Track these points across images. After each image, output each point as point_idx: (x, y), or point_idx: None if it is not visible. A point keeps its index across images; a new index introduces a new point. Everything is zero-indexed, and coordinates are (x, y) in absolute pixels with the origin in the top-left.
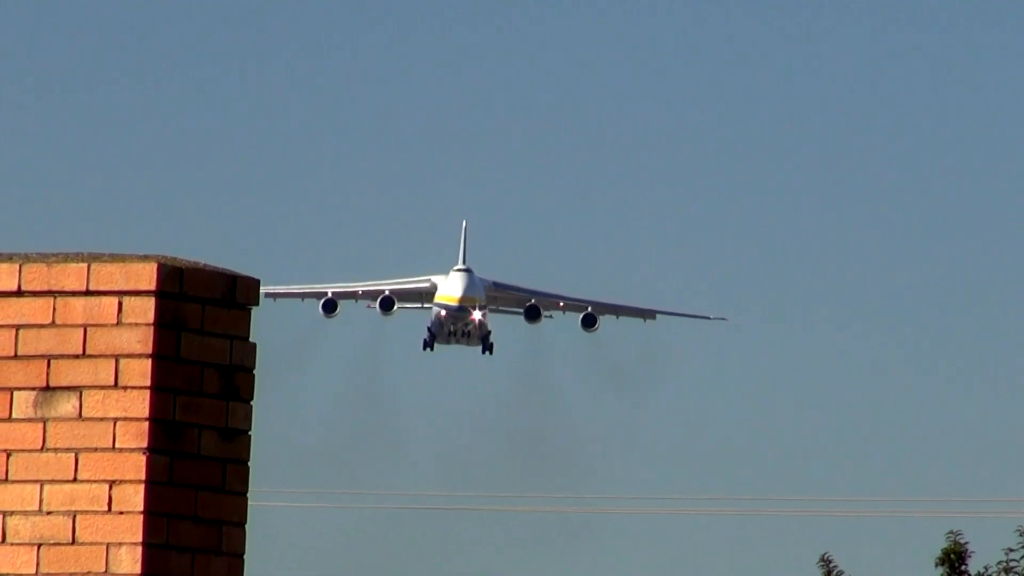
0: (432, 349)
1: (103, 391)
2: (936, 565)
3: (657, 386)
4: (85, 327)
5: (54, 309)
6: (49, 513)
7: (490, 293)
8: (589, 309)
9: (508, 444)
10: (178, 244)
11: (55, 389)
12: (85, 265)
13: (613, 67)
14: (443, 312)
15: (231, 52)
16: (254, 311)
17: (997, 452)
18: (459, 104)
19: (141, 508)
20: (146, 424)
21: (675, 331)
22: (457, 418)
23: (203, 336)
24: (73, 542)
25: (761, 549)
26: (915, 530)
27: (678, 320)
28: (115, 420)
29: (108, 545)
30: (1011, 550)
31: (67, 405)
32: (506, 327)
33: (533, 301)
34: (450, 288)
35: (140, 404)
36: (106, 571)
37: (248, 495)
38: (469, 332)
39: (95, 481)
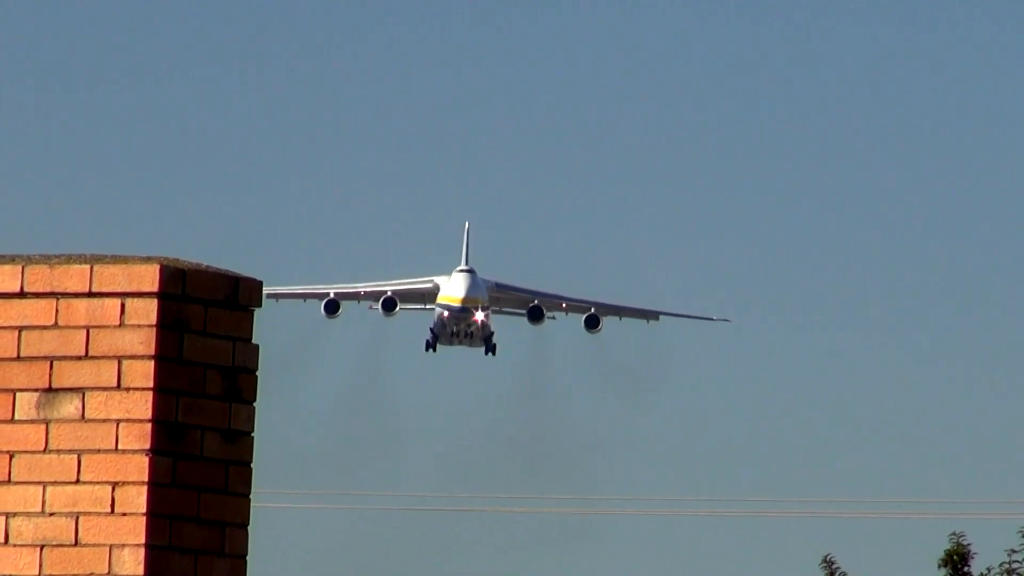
0: (435, 350)
1: (106, 392)
2: (939, 567)
3: (660, 387)
4: (88, 328)
5: (57, 310)
6: (52, 514)
7: (493, 294)
8: (592, 310)
9: (510, 445)
10: (180, 245)
11: (58, 390)
12: (88, 266)
13: (616, 68)
14: (446, 313)
15: (233, 53)
16: (256, 312)
17: (1000, 453)
18: (462, 104)
19: (144, 509)
20: (149, 425)
21: (678, 332)
22: (459, 419)
23: (206, 337)
24: (76, 544)
25: (764, 550)
26: (918, 531)
27: (681, 321)
28: (118, 421)
29: (111, 547)
30: (1014, 551)
31: (70, 406)
32: (509, 328)
33: (536, 302)
34: (453, 289)
35: (143, 405)
36: (109, 572)
37: (251, 496)
38: (472, 333)
39: (98, 482)
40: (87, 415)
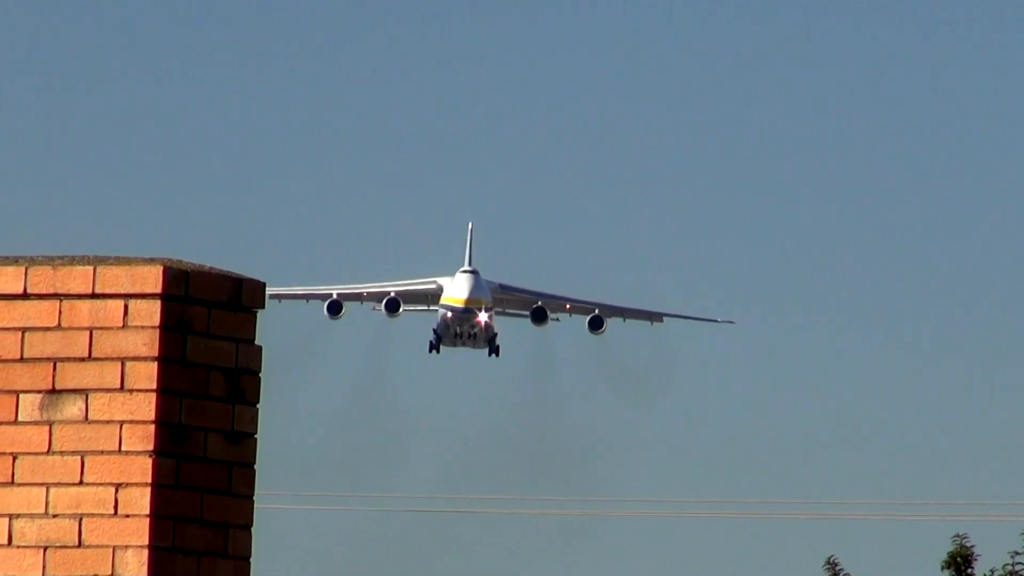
0: (438, 351)
1: (109, 394)
2: (942, 568)
3: (664, 389)
4: (91, 330)
5: (60, 312)
6: (55, 516)
7: (496, 295)
8: (596, 311)
9: (514, 447)
10: (183, 247)
11: (61, 392)
12: (91, 268)
13: (620, 69)
14: (449, 314)
15: (236, 54)
16: (259, 313)
17: (1003, 455)
18: (465, 105)
19: (147, 511)
20: (152, 427)
21: (682, 334)
22: (463, 421)
23: (209, 339)
24: (79, 545)
25: (767, 552)
26: (921, 533)
27: (686, 323)
28: (121, 423)
29: (114, 548)
30: (1017, 553)
31: (73, 408)
32: (512, 329)
33: (540, 303)
34: (456, 290)
35: (146, 407)
36: (112, 574)
37: (254, 498)
38: (475, 334)
39: (101, 484)
40: (90, 416)
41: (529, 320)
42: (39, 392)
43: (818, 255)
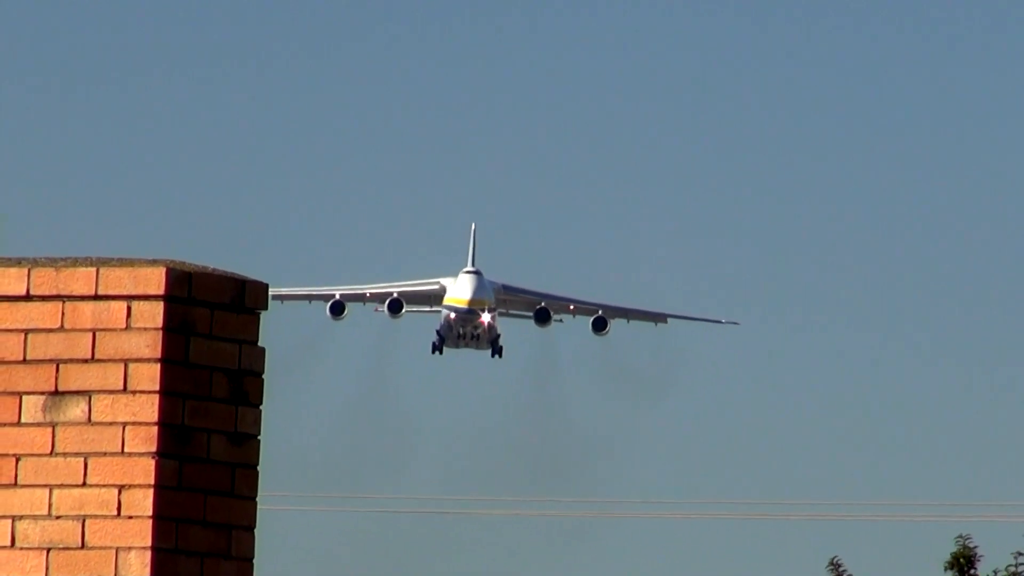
0: (441, 352)
1: (112, 395)
2: (945, 569)
3: (668, 390)
4: (94, 331)
5: (63, 313)
6: (58, 517)
7: (500, 296)
8: (600, 312)
9: (517, 448)
10: (186, 248)
11: (64, 393)
12: (94, 269)
13: (623, 69)
14: (452, 314)
15: (238, 55)
16: (262, 315)
17: (1006, 456)
18: (468, 105)
19: (150, 512)
20: (155, 428)
21: (686, 335)
22: (466, 422)
23: (212, 340)
24: (82, 546)
25: (771, 553)
26: (924, 534)
27: (690, 324)
28: (124, 424)
29: (117, 549)
30: (1020, 554)
31: (76, 409)
32: (516, 330)
33: (543, 304)
34: (459, 290)
35: (149, 408)
36: (115, 575)
37: (257, 499)
38: (478, 335)
39: (104, 485)
40: (93, 418)
41: (532, 321)
42: (42, 394)
43: (822, 256)
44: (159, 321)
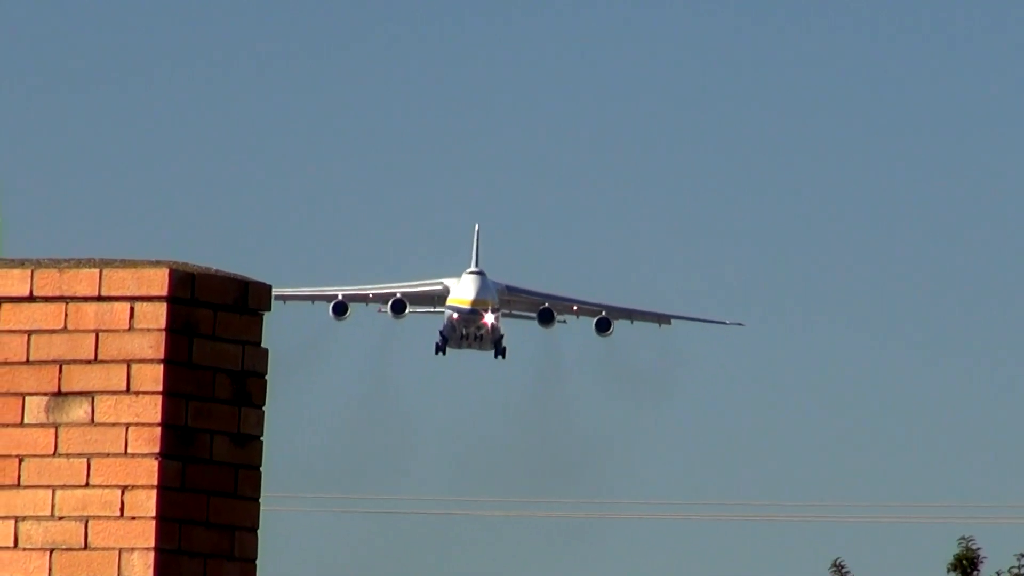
0: (444, 353)
1: (115, 396)
2: (948, 571)
3: (672, 391)
4: (97, 332)
5: (66, 314)
6: (61, 518)
7: (503, 297)
8: (603, 313)
9: (521, 449)
10: (190, 249)
11: (67, 394)
12: (97, 271)
13: (627, 70)
14: (455, 315)
15: (241, 55)
16: (266, 316)
17: (1010, 458)
18: (472, 106)
19: (153, 513)
20: (158, 429)
21: (691, 336)
22: (469, 423)
23: (215, 341)
24: (85, 547)
25: (774, 554)
26: (927, 535)
27: (694, 325)
28: (127, 425)
29: (120, 550)
30: (1023, 555)
31: (79, 410)
32: (519, 331)
33: (547, 305)
34: (462, 291)
35: (152, 409)
36: None
37: (260, 500)
38: (481, 336)
39: (107, 486)
40: (96, 419)
41: (536, 322)
42: (45, 394)
43: (827, 257)
44: (162, 322)
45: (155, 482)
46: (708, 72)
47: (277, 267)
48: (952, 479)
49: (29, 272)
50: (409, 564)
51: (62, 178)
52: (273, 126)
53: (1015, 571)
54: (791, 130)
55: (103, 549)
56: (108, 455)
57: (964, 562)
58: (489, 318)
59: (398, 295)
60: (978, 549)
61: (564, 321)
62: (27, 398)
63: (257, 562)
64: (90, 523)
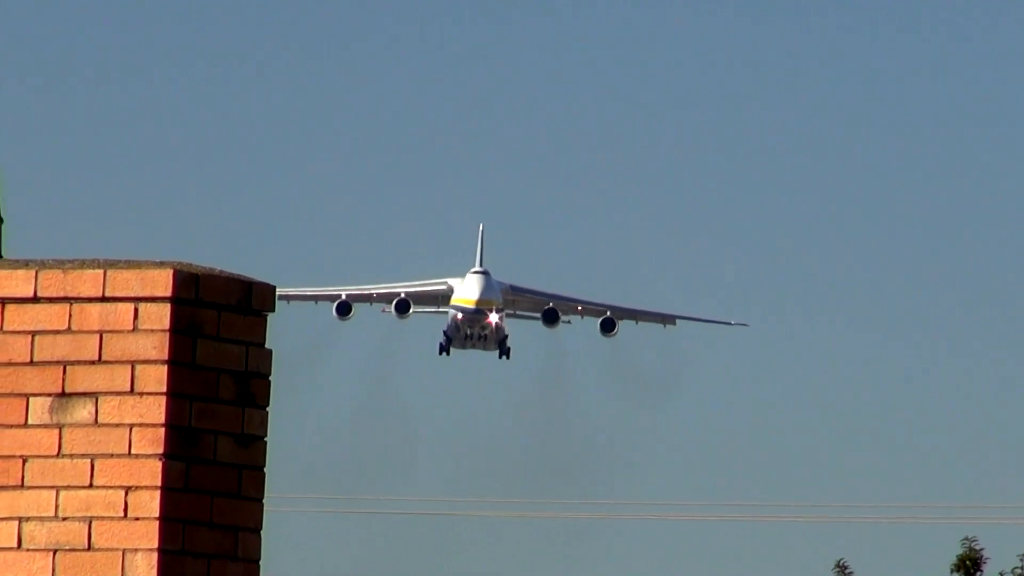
0: (448, 353)
1: (119, 397)
2: (951, 571)
3: (676, 392)
4: (101, 333)
5: (70, 315)
6: (65, 519)
7: (507, 296)
8: (608, 314)
9: (525, 449)
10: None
11: (71, 395)
12: (101, 271)
13: (632, 70)
14: (459, 315)
15: (245, 56)
16: (270, 317)
17: (1013, 458)
18: (476, 105)
19: (157, 514)
20: (162, 430)
21: (695, 336)
22: (473, 423)
23: (219, 342)
24: (89, 548)
25: (777, 555)
26: (930, 536)
27: (698, 325)
28: (131, 426)
29: (124, 551)
30: None
31: (83, 411)
32: (523, 331)
33: (551, 305)
34: (467, 290)
35: (156, 410)
36: None
37: (264, 501)
38: (486, 336)
39: (111, 487)
40: (100, 420)
41: (540, 322)
42: (49, 395)
43: (832, 258)
44: (166, 323)
45: (159, 483)
46: (712, 72)
47: (281, 267)
48: (956, 480)
49: (33, 273)
50: (413, 565)
51: (66, 179)
52: (277, 126)
53: (1018, 572)
54: (796, 130)
55: (107, 550)
56: (112, 456)
57: (967, 563)
58: (493, 318)
59: (402, 295)
60: (981, 550)
61: (568, 321)
62: (31, 399)
63: (260, 563)
64: (94, 524)
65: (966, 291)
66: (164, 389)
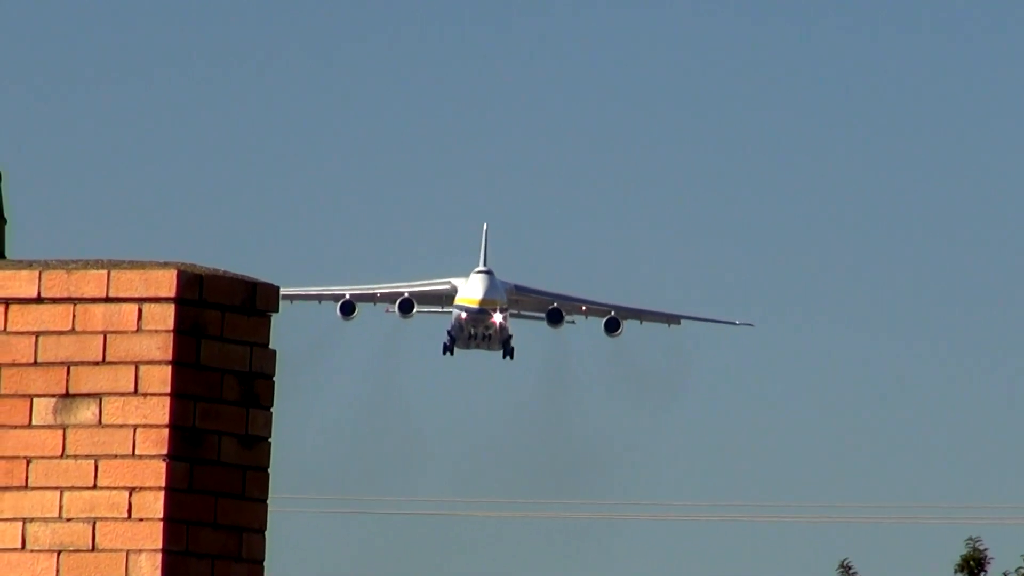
0: (452, 353)
1: (123, 398)
2: (955, 572)
3: (681, 392)
4: (105, 334)
5: (74, 316)
6: (69, 520)
7: (512, 296)
8: (612, 313)
9: (529, 450)
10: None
11: (75, 396)
12: (105, 272)
13: (637, 70)
14: (463, 315)
15: (247, 56)
16: (273, 317)
17: (1017, 458)
18: (480, 105)
19: (161, 515)
20: (166, 431)
21: (700, 336)
22: (477, 423)
23: (223, 343)
24: (93, 549)
25: (781, 555)
26: (934, 536)
27: (703, 325)
28: (135, 427)
29: (128, 552)
30: None
31: (87, 412)
32: (527, 331)
33: (555, 305)
34: (470, 290)
35: (160, 411)
36: None
37: (267, 501)
38: (490, 336)
39: (115, 488)
40: (104, 420)
41: (544, 322)
42: (53, 396)
43: (837, 258)
44: (170, 323)
45: (163, 483)
46: (717, 72)
47: (284, 267)
48: (960, 480)
49: (37, 273)
50: (417, 565)
51: (70, 179)
52: (280, 126)
53: (1022, 572)
54: (801, 131)
55: (111, 551)
56: (116, 456)
57: (971, 563)
58: (497, 318)
59: (406, 295)
60: (985, 550)
61: (573, 321)
62: (35, 399)
63: (265, 563)
64: (98, 525)
65: (971, 292)
66: (168, 390)
